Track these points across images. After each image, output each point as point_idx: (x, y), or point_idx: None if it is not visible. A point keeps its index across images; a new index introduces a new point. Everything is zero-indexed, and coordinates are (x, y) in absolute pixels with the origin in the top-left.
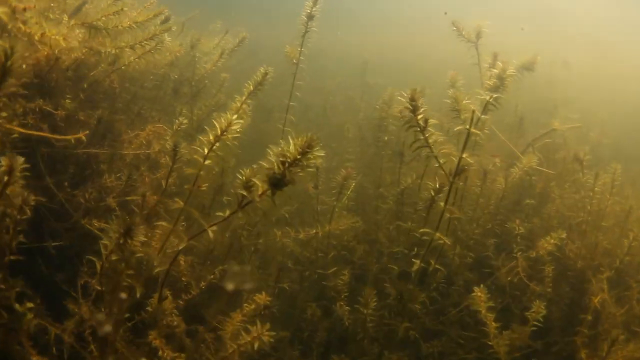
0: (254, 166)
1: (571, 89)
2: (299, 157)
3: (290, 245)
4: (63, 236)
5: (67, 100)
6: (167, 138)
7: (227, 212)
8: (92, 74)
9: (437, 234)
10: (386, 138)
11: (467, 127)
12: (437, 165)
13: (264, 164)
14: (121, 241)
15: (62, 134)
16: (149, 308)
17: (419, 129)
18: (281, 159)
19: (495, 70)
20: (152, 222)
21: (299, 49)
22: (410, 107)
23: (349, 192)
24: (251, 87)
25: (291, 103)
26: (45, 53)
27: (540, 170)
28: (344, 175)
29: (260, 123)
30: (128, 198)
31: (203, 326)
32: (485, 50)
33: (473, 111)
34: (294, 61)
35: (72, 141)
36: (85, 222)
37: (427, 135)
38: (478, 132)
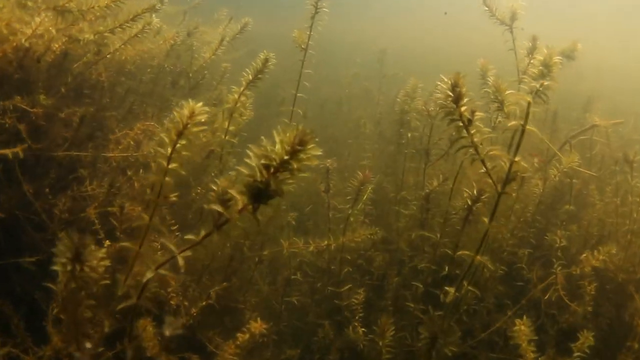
0: (233, 173)
1: (602, 80)
2: (287, 158)
3: (299, 255)
4: (42, 249)
5: (41, 96)
6: (158, 138)
7: (202, 233)
8: (75, 66)
9: (479, 257)
10: (409, 135)
11: (521, 123)
12: (483, 171)
13: (243, 169)
14: (70, 267)
15: (43, 133)
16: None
17: (462, 123)
18: (264, 162)
19: (538, 57)
20: (133, 238)
21: (308, 33)
22: (452, 96)
23: (366, 196)
24: (250, 77)
25: (304, 95)
26: (15, 44)
27: (578, 171)
28: (361, 180)
29: (269, 118)
30: (110, 208)
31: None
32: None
33: (529, 103)
34: (302, 47)
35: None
36: (63, 236)
37: (472, 132)
38: (534, 129)
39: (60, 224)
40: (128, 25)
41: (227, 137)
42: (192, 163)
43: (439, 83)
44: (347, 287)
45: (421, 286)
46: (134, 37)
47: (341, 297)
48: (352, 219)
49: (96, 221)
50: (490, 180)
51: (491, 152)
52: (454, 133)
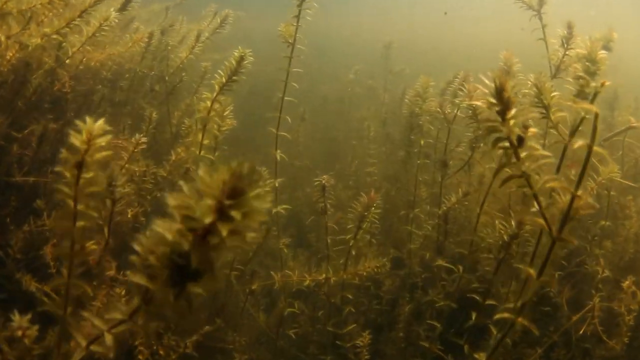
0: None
1: (626, 73)
2: (212, 220)
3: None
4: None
5: None
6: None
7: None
8: (34, 76)
9: (521, 320)
10: (422, 142)
11: (588, 142)
12: (536, 209)
13: (159, 229)
14: None
15: None
16: None
17: (509, 144)
18: (186, 224)
19: (579, 50)
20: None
21: (295, 25)
22: (496, 104)
23: (371, 215)
24: (224, 79)
25: (302, 95)
26: None
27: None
28: (366, 204)
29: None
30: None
31: None
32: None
33: (596, 114)
34: (289, 41)
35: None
36: (20, 277)
37: (524, 155)
38: (603, 151)
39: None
40: (76, 23)
41: (202, 153)
42: (167, 182)
43: (480, 87)
44: (351, 327)
45: (439, 325)
46: (93, 38)
47: (343, 338)
48: (355, 246)
49: (51, 263)
50: (541, 221)
51: (549, 185)
52: (482, 144)
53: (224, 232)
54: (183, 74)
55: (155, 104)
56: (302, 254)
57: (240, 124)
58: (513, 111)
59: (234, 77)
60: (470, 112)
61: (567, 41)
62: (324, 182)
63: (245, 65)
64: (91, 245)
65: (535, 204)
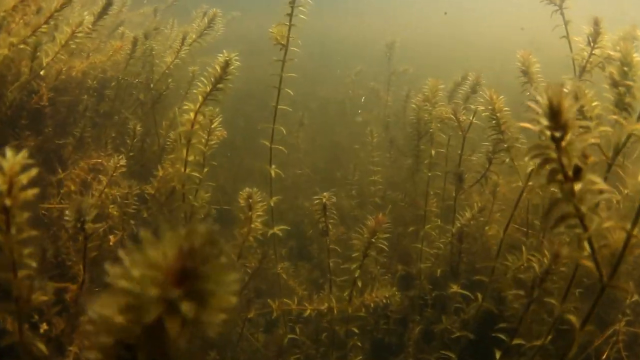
0: None
1: None
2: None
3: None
4: None
5: None
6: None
7: None
8: (10, 90)
9: None
10: (433, 152)
11: None
12: (586, 255)
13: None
14: None
15: None
16: None
17: (564, 177)
18: (128, 315)
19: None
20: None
21: (288, 23)
22: (551, 127)
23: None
24: (208, 87)
25: (300, 98)
26: None
27: None
28: (372, 228)
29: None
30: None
31: None
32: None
33: None
34: (282, 43)
35: None
36: None
37: (580, 189)
38: None
39: None
40: (43, 30)
41: (187, 171)
42: (155, 201)
43: (531, 104)
44: None
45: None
46: (68, 46)
47: None
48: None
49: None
50: (591, 264)
51: (605, 225)
52: (502, 156)
53: (174, 328)
54: (169, 80)
55: (141, 114)
56: (303, 267)
57: (238, 129)
58: (569, 136)
59: (220, 85)
60: (493, 121)
61: (593, 39)
62: (324, 200)
63: (231, 71)
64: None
65: (587, 246)
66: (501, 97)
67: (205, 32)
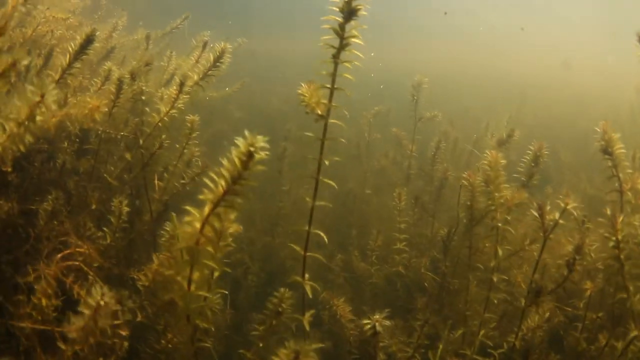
0: None
1: None
2: None
3: None
4: None
5: None
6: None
7: None
8: None
9: None
10: (500, 252)
11: None
12: None
13: None
14: None
15: None
16: None
17: None
18: None
19: None
20: None
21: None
22: None
23: None
24: (221, 188)
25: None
26: None
27: None
28: None
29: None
30: None
31: None
32: None
33: None
34: (321, 115)
35: None
36: None
37: None
38: None
39: None
40: None
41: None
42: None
43: None
44: None
45: None
46: None
47: None
48: None
49: None
50: None
51: None
52: None
53: None
54: (163, 136)
55: (128, 179)
56: None
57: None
58: None
59: (241, 181)
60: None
61: None
62: (377, 327)
63: (256, 163)
64: None
65: None
66: None
67: (210, 72)
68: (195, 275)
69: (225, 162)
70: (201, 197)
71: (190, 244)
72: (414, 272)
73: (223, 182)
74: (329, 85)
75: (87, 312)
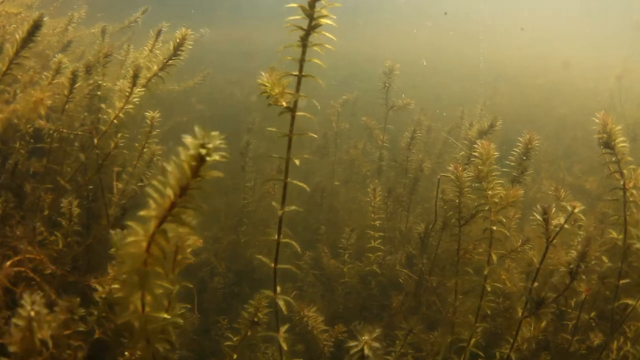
0: None
1: None
2: None
3: None
4: None
5: None
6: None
7: None
8: None
9: None
10: (486, 271)
11: None
12: None
13: None
14: None
15: None
16: None
17: None
18: None
19: None
20: None
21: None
22: None
23: None
24: (168, 200)
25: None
26: None
27: None
28: None
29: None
30: None
31: None
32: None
33: None
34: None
35: None
36: None
37: None
38: None
39: None
40: None
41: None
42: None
43: None
44: None
45: None
46: None
47: None
48: None
49: None
50: None
51: None
52: None
53: None
54: (120, 134)
55: (82, 182)
56: None
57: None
58: None
59: (190, 191)
60: None
61: None
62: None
63: (206, 171)
64: None
65: None
66: None
67: (170, 62)
68: (149, 297)
69: (170, 167)
70: (142, 213)
71: (137, 266)
72: (388, 269)
73: (170, 193)
74: (295, 73)
75: (20, 322)
